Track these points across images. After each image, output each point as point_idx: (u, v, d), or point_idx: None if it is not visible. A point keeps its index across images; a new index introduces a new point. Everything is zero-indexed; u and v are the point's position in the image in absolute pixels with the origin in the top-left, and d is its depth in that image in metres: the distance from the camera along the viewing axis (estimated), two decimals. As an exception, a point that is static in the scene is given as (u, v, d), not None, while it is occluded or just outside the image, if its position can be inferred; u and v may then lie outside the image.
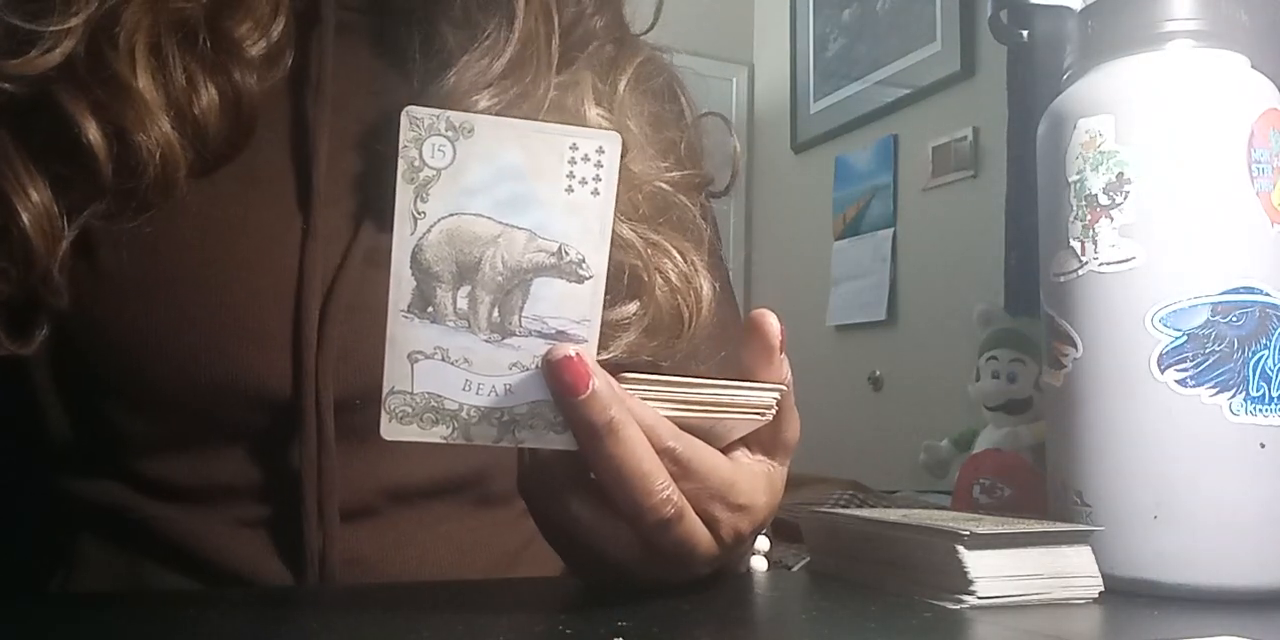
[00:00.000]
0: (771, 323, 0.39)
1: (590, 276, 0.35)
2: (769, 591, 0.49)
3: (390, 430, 0.35)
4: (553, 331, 0.35)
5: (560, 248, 0.34)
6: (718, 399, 0.38)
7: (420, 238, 0.34)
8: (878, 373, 2.58)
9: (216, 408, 0.47)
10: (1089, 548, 0.44)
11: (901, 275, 2.55)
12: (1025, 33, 0.61)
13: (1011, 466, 1.26)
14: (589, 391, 0.34)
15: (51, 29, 0.45)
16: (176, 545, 0.48)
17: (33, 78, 0.45)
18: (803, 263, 2.87)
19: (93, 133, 0.44)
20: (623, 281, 0.49)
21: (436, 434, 0.35)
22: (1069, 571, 0.43)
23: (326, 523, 0.48)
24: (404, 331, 0.34)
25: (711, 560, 0.40)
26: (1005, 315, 1.72)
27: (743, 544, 0.42)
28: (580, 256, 0.35)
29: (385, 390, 0.35)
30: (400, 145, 0.33)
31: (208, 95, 0.47)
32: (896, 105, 2.60)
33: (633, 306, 0.49)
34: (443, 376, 0.35)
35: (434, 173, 0.33)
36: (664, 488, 0.36)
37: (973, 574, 0.41)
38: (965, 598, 0.41)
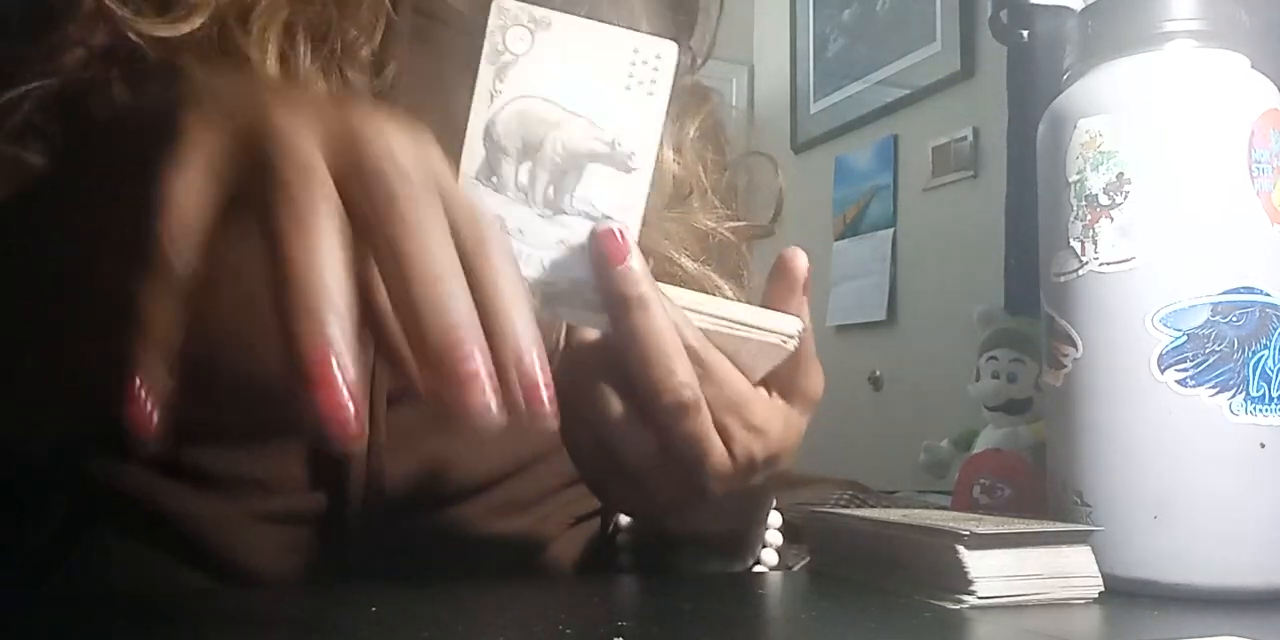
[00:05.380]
0: (801, 262, 0.40)
1: (637, 168, 0.37)
2: (769, 591, 0.49)
3: None
4: (599, 214, 0.38)
5: (614, 139, 0.37)
6: (743, 317, 0.40)
7: (495, 113, 0.37)
8: (878, 373, 2.57)
9: (265, 402, 0.47)
10: (1089, 548, 0.44)
11: (901, 275, 2.55)
12: (1025, 33, 0.62)
13: (1011, 466, 1.25)
14: (626, 263, 0.36)
15: None
16: (191, 536, 0.48)
17: (166, 44, 0.45)
18: (803, 263, 2.87)
19: None
20: None
21: None
22: (1069, 571, 0.43)
23: (361, 522, 0.48)
24: (471, 196, 0.36)
25: (723, 478, 0.41)
26: (1005, 315, 1.71)
27: (755, 471, 0.42)
28: (630, 150, 0.37)
29: None
30: (488, 30, 0.36)
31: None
32: (896, 105, 2.60)
33: None
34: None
35: (513, 57, 0.36)
36: (685, 371, 0.37)
37: (973, 574, 0.41)
38: (965, 598, 0.41)
